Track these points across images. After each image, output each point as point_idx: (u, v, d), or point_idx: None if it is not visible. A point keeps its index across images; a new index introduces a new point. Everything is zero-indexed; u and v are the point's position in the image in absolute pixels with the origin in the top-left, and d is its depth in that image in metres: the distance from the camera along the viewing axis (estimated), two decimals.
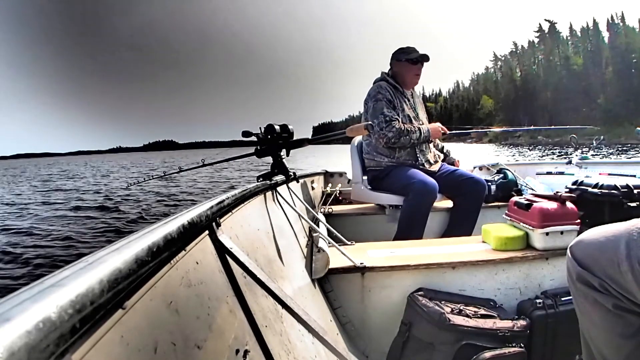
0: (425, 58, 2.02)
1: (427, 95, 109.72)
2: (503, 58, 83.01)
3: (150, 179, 2.78)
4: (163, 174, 2.70)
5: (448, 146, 2.35)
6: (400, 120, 1.95)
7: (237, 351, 0.47)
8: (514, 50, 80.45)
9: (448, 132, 2.18)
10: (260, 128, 1.21)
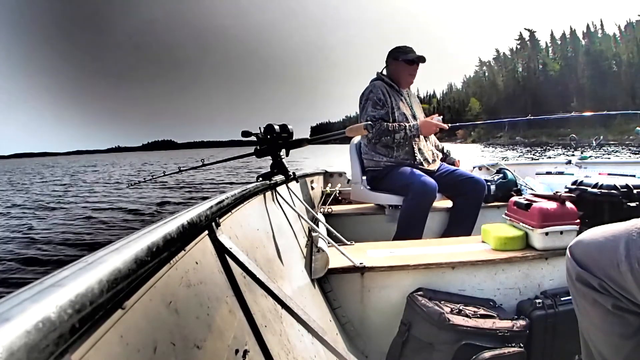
0: (421, 59, 2.01)
1: (422, 97, 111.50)
2: (487, 63, 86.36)
3: (152, 178, 2.78)
4: (163, 174, 2.70)
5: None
6: (388, 119, 1.94)
7: (237, 351, 0.47)
8: (496, 56, 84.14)
9: (448, 127, 2.06)
10: (259, 128, 1.21)
